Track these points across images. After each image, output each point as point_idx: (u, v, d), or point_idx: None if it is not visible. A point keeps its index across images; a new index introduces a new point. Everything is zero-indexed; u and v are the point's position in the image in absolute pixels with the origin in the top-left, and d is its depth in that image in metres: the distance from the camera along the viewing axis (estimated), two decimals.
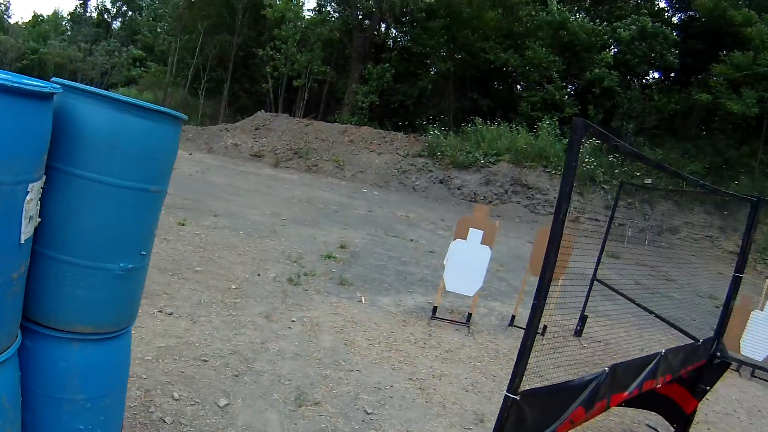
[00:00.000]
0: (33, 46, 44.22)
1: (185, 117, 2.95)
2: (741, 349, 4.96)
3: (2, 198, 2.11)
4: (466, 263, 7.03)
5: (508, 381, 5.04)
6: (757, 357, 7.64)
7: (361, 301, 7.59)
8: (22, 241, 2.26)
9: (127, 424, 3.70)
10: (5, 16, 48.02)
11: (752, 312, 7.99)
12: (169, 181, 2.94)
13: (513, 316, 7.57)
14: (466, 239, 7.11)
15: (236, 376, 4.73)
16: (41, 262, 2.55)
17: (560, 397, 2.97)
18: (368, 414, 4.52)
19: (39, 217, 2.43)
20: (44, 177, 2.35)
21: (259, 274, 7.86)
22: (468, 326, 7.14)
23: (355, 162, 22.14)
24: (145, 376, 4.37)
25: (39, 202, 2.36)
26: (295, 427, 4.13)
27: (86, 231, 2.58)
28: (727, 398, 6.89)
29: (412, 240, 12.65)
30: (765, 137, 20.63)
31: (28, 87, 2.08)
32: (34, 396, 2.66)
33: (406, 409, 4.73)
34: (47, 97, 2.22)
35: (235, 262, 8.25)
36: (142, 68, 38.17)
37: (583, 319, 7.75)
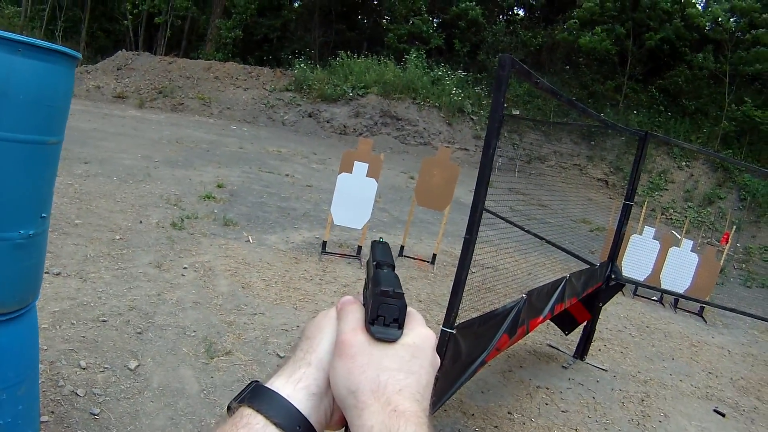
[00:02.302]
0: None
1: (80, 55, 2.38)
2: (623, 270, 5.17)
3: None
4: (353, 196, 6.77)
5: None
6: (639, 277, 8.07)
7: (248, 240, 7.19)
8: None
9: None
10: None
11: (632, 236, 8.37)
12: (64, 131, 2.39)
13: (402, 247, 7.49)
14: (351, 173, 6.79)
15: (139, 333, 4.28)
16: None
17: (488, 326, 2.89)
18: (281, 358, 4.27)
19: None
20: None
21: (141, 222, 7.19)
22: (359, 259, 6.98)
23: (222, 99, 20.83)
24: (45, 347, 3.83)
25: None
26: (212, 380, 3.81)
27: None
28: (617, 316, 7.34)
29: (287, 175, 12.19)
30: (628, 74, 21.44)
31: None
32: None
33: None
34: None
35: (114, 210, 7.48)
36: None
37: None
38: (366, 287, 0.67)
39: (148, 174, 10.13)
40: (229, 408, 0.59)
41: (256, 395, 0.57)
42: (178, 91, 20.67)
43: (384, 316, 0.57)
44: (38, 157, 2.19)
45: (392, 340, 0.57)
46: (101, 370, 3.68)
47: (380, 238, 0.74)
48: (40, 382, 3.34)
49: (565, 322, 5.24)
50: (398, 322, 0.58)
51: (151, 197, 8.52)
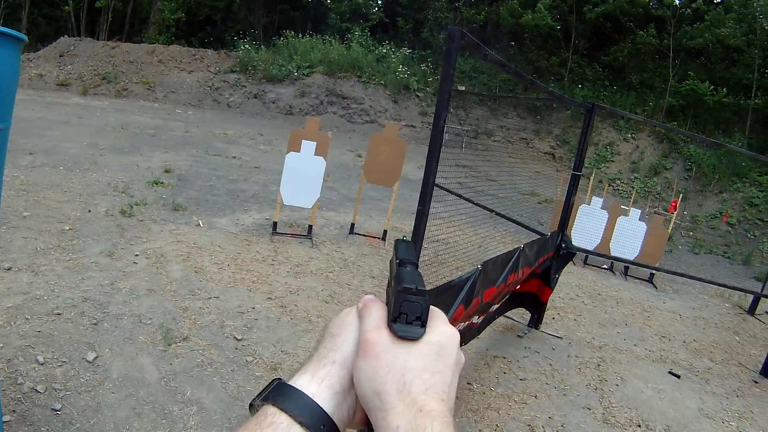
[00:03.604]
0: None
1: (25, 38, 2.23)
2: (572, 240, 5.24)
3: None
4: (301, 175, 6.64)
5: (361, 289, 4.96)
6: (588, 246, 8.03)
7: (198, 224, 7.01)
8: None
9: None
10: None
11: (580, 206, 8.37)
12: (11, 116, 2.25)
13: (352, 224, 7.43)
14: (299, 152, 6.65)
15: (95, 324, 4.14)
16: None
17: (444, 297, 2.89)
18: (239, 341, 4.20)
19: None
20: None
21: (89, 210, 6.91)
22: (310, 238, 6.91)
23: (166, 83, 20.07)
24: (1, 345, 3.66)
25: None
26: (171, 367, 3.72)
27: None
28: (569, 285, 7.43)
29: (235, 157, 11.92)
30: (573, 48, 21.52)
31: None
32: None
33: (273, 329, 4.48)
34: None
35: (62, 201, 7.15)
36: None
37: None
38: (389, 285, 0.64)
39: (94, 162, 9.72)
40: (251, 406, 0.56)
41: (280, 393, 0.55)
42: (122, 76, 19.81)
43: (407, 314, 0.54)
44: None
45: (416, 339, 0.54)
46: (59, 364, 3.54)
47: (404, 236, 0.70)
48: None
49: (534, 305, 5.33)
50: (421, 320, 0.55)
51: (99, 185, 8.19)
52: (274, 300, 5.02)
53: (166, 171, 9.72)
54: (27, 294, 4.44)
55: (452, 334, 0.57)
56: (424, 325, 0.55)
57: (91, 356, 3.66)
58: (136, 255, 5.65)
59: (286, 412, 0.53)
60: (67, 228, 6.15)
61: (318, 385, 0.55)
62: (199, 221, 7.15)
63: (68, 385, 3.34)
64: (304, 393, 0.54)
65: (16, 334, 3.81)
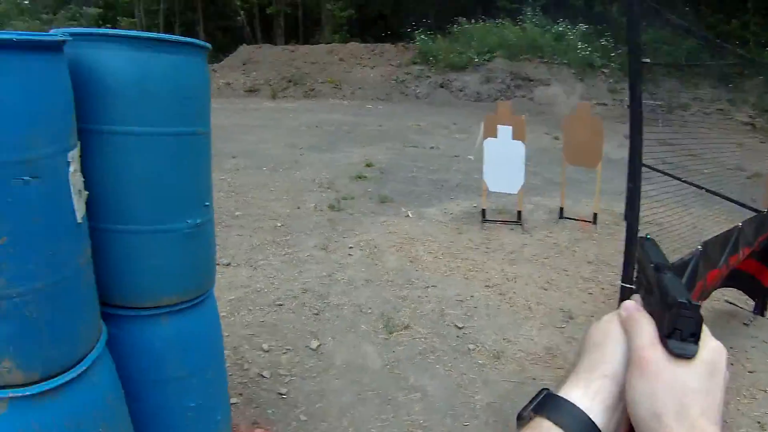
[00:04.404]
0: None
1: (209, 45, 2.48)
2: None
3: (46, 174, 1.67)
4: (503, 161, 6.68)
5: (579, 275, 4.78)
6: None
7: (408, 215, 7.28)
8: (79, 221, 1.83)
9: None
10: None
11: None
12: (210, 121, 2.50)
13: (561, 209, 7.24)
14: (495, 137, 6.69)
15: (316, 314, 4.48)
16: (103, 239, 2.11)
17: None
18: (460, 328, 4.27)
19: (85, 189, 1.96)
20: (79, 143, 1.88)
21: (298, 207, 7.54)
22: (521, 224, 6.84)
23: (351, 80, 21.37)
24: (227, 334, 4.10)
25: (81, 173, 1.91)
26: (394, 354, 3.89)
27: (141, 193, 2.16)
28: None
29: (432, 148, 12.22)
30: (753, 8, 19.67)
31: (38, 39, 1.64)
32: (136, 384, 2.33)
33: (493, 317, 4.49)
34: (59, 47, 1.76)
35: (270, 199, 7.90)
36: (109, 26, 36.51)
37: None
38: (645, 291, 0.64)
39: (295, 161, 10.60)
40: (520, 417, 0.59)
41: (555, 407, 0.57)
42: (307, 77, 21.47)
43: (681, 330, 0.55)
44: (189, 147, 2.28)
45: (691, 357, 0.54)
46: (284, 351, 3.89)
47: (647, 234, 0.70)
48: (226, 366, 3.60)
49: (753, 288, 4.86)
50: (695, 336, 0.55)
51: (304, 183, 8.89)
52: (492, 288, 5.02)
53: (368, 165, 10.25)
54: (248, 287, 4.95)
55: (721, 349, 0.57)
56: (697, 341, 0.55)
57: (314, 344, 3.97)
58: (350, 247, 6.03)
59: (560, 427, 0.55)
60: (279, 224, 6.76)
61: (591, 399, 0.57)
62: (408, 212, 7.42)
63: (293, 371, 3.66)
64: (578, 407, 0.56)
65: (240, 324, 4.27)
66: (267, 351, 3.89)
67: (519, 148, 6.67)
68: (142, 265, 2.27)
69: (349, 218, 7.04)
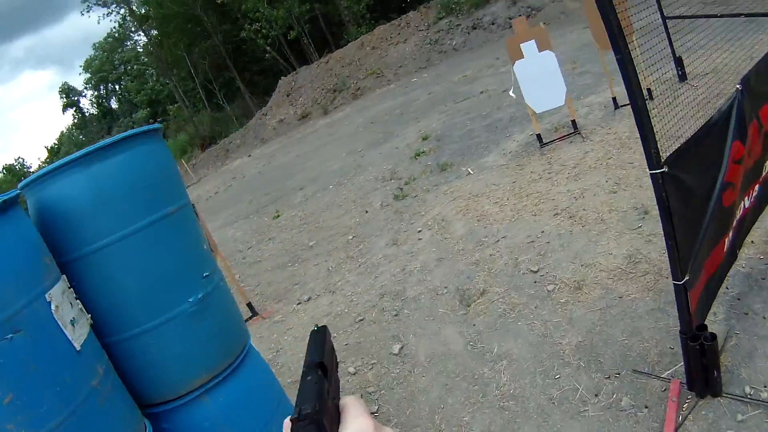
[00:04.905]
0: None
1: (158, 125, 2.43)
2: None
3: (28, 323, 1.71)
4: (538, 77, 6.19)
5: (644, 163, 4.28)
6: None
7: (469, 173, 6.97)
8: (78, 348, 1.85)
9: None
10: (26, 170, 50.55)
11: None
12: (185, 193, 2.41)
13: (614, 98, 6.65)
14: (523, 57, 6.23)
15: (395, 315, 4.31)
16: (118, 350, 2.16)
17: (708, 143, 2.25)
18: (535, 272, 3.96)
19: (87, 312, 2.04)
20: (63, 276, 1.94)
21: (366, 211, 7.41)
22: (579, 133, 6.34)
23: (389, 62, 21.09)
24: None
25: (76, 300, 1.99)
26: (475, 328, 3.64)
27: (132, 295, 2.15)
28: None
29: (482, 92, 11.73)
30: None
31: None
32: None
33: (567, 245, 4.13)
34: (11, 204, 1.83)
35: (339, 215, 7.83)
36: (161, 120, 38.37)
37: (679, 62, 6.61)
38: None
39: (357, 166, 10.51)
40: None
41: None
42: (348, 80, 21.40)
43: None
44: (167, 229, 2.21)
45: None
46: (369, 367, 3.75)
47: (316, 325, 0.64)
48: None
49: None
50: None
51: (368, 184, 8.77)
52: (561, 214, 4.64)
53: (424, 138, 10.00)
54: (329, 314, 4.87)
55: (363, 427, 0.56)
56: None
57: (396, 348, 3.80)
58: (419, 231, 5.83)
59: None
60: (350, 237, 6.67)
61: None
62: (468, 169, 7.12)
63: (381, 384, 3.50)
64: None
65: None
66: (354, 374, 3.76)
67: (549, 58, 6.19)
68: (160, 360, 2.25)
69: (413, 202, 6.83)
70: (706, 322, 2.35)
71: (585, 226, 4.25)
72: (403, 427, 3.04)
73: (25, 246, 1.84)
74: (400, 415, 3.14)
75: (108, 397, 1.93)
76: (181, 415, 2.29)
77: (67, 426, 1.72)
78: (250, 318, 5.59)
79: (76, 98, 53.12)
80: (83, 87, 51.73)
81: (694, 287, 2.20)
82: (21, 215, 1.89)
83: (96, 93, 51.05)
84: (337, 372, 0.64)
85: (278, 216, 9.49)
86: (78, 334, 1.89)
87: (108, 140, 2.11)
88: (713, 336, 2.20)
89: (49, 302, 1.80)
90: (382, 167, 9.45)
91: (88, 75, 48.24)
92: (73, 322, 1.89)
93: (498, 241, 4.73)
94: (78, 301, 2.02)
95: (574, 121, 6.42)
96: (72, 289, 2.02)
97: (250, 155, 21.50)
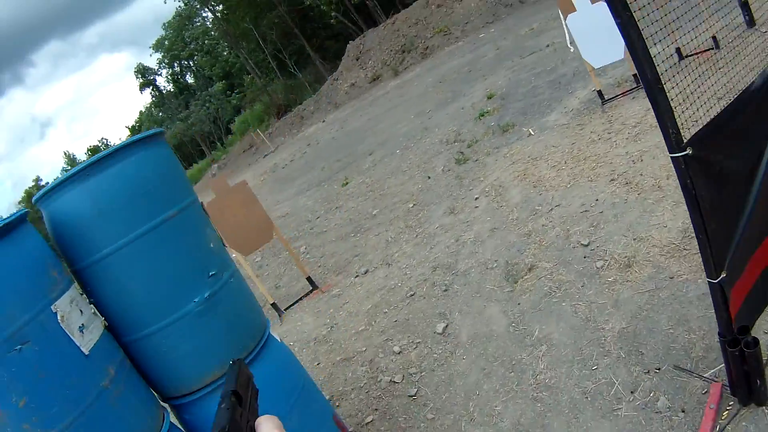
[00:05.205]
0: None
1: (159, 130, 2.46)
2: None
3: (35, 334, 1.83)
4: (594, 30, 5.73)
5: (709, 119, 3.91)
6: None
7: (530, 133, 6.66)
8: (87, 353, 1.95)
9: (363, 405, 3.34)
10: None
11: None
12: (188, 193, 2.39)
13: (677, 49, 6.07)
14: (575, 10, 5.81)
15: (445, 291, 4.19)
16: (134, 349, 2.26)
17: (751, 112, 1.97)
18: (586, 246, 3.72)
19: (101, 315, 2.15)
20: (73, 285, 2.05)
21: (429, 177, 7.26)
22: (641, 87, 5.86)
23: (456, 19, 20.38)
24: (364, 348, 4.00)
25: (89, 305, 2.09)
26: (519, 307, 3.48)
27: (143, 297, 2.22)
28: None
29: (548, 45, 11.15)
30: None
31: None
32: None
33: (621, 215, 3.85)
34: (14, 226, 1.92)
35: (403, 182, 7.73)
36: (237, 92, 38.93)
37: (744, 6, 5.91)
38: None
39: (424, 128, 10.31)
40: None
41: None
42: (416, 40, 20.89)
43: None
44: (169, 233, 2.24)
45: None
46: (414, 347, 3.67)
47: (231, 360, 0.72)
48: (361, 385, 3.48)
49: None
50: None
51: (433, 147, 8.59)
52: (617, 179, 4.32)
53: (489, 97, 9.66)
54: (383, 288, 4.80)
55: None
56: None
57: (440, 327, 3.70)
58: (476, 198, 5.64)
59: None
60: (411, 206, 6.56)
61: None
62: (530, 130, 6.81)
63: (422, 366, 3.42)
64: None
65: (376, 333, 4.12)
66: (399, 353, 3.69)
67: (603, 9, 5.74)
68: (172, 359, 2.35)
69: (474, 166, 6.61)
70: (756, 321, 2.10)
71: (641, 193, 3.94)
72: (438, 413, 2.96)
73: (30, 263, 1.93)
74: (437, 399, 3.06)
75: (120, 396, 2.02)
76: (197, 407, 2.37)
77: (79, 425, 1.83)
78: (310, 292, 5.62)
79: (152, 77, 54.74)
80: (156, 66, 53.33)
81: (738, 284, 1.94)
82: (27, 233, 1.97)
83: (170, 71, 52.42)
84: (256, 401, 0.71)
85: (347, 183, 9.47)
86: (87, 339, 1.99)
87: (105, 152, 2.15)
88: (756, 341, 1.92)
89: (55, 313, 1.89)
90: (447, 129, 9.22)
91: (161, 55, 49.59)
92: (82, 329, 2.00)
93: (552, 210, 4.49)
94: (92, 306, 2.12)
95: (635, 76, 5.97)
96: (84, 295, 2.13)
97: (324, 121, 21.53)
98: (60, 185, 2.12)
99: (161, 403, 2.41)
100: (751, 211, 1.93)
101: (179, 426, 2.51)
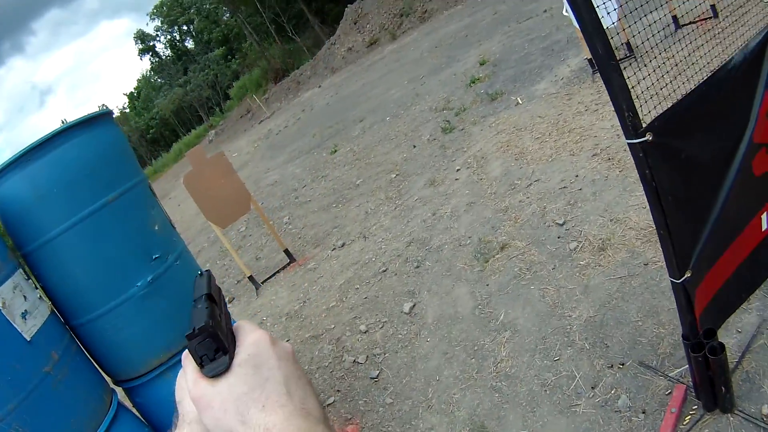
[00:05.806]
0: (148, 116, 47.05)
1: (106, 110, 2.35)
2: None
3: None
4: None
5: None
6: None
7: (518, 102, 6.41)
8: (29, 339, 1.92)
9: (326, 385, 3.19)
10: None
11: None
12: (134, 173, 2.25)
13: (674, 18, 5.74)
14: None
15: (417, 267, 4.01)
16: (81, 333, 2.27)
17: (723, 95, 1.73)
18: (561, 225, 3.52)
19: (50, 299, 2.20)
20: (18, 271, 2.01)
21: (414, 146, 7.04)
22: (634, 57, 5.59)
23: None
24: (332, 326, 3.84)
25: (35, 291, 2.07)
26: (487, 288, 3.30)
27: (86, 281, 2.20)
28: None
29: (545, 11, 10.77)
30: None
31: None
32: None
33: (599, 194, 3.63)
34: None
35: (389, 150, 7.50)
36: (235, 57, 38.25)
37: None
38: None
39: (416, 95, 10.03)
40: None
41: None
42: (415, 3, 20.33)
43: (206, 354, 0.52)
44: (112, 216, 2.19)
45: (225, 370, 0.52)
46: (380, 326, 3.50)
47: (200, 271, 0.65)
48: (326, 364, 3.33)
49: None
50: (221, 350, 0.53)
51: (422, 115, 8.34)
52: (600, 154, 4.09)
53: (481, 63, 9.36)
54: (357, 263, 4.62)
55: (258, 339, 0.55)
56: (225, 352, 0.53)
57: (407, 307, 3.52)
58: (457, 170, 5.43)
59: None
60: (394, 176, 6.34)
61: None
62: (518, 99, 6.55)
63: (386, 347, 3.26)
64: None
65: (346, 309, 3.96)
66: (365, 332, 3.52)
67: None
68: (119, 342, 2.29)
69: (459, 136, 6.37)
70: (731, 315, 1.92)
71: (622, 171, 3.72)
72: (398, 397, 2.81)
73: None
74: (397, 383, 2.90)
75: (64, 380, 1.98)
76: (147, 390, 2.35)
77: (22, 410, 1.80)
78: (288, 265, 5.45)
79: (151, 43, 53.66)
80: (155, 32, 52.27)
81: (704, 284, 1.74)
82: None
83: (169, 37, 51.44)
84: (226, 308, 0.64)
85: (335, 151, 9.23)
86: (30, 325, 1.95)
87: (44, 137, 2.09)
88: (722, 347, 1.72)
89: None
90: (438, 96, 8.95)
91: (159, 21, 48.65)
92: (24, 315, 1.95)
93: (530, 185, 4.28)
94: (38, 290, 2.10)
95: (628, 43, 5.68)
96: (31, 280, 2.10)
97: (320, 86, 21.12)
98: (6, 169, 2.06)
99: (112, 386, 2.35)
100: (723, 206, 1.71)
101: (132, 410, 2.43)
